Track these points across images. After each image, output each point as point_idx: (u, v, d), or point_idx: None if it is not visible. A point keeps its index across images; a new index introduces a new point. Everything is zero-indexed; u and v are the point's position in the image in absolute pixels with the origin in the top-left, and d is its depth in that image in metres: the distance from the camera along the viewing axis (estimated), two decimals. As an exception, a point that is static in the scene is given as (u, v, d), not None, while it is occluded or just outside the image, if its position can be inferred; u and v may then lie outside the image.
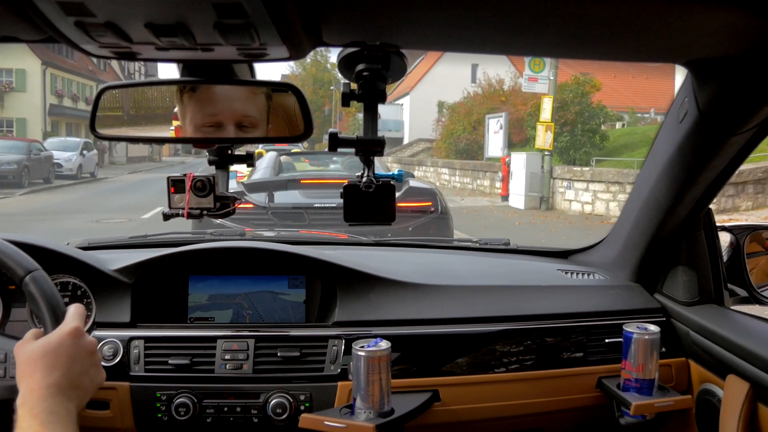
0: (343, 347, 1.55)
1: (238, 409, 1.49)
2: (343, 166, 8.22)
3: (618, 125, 26.48)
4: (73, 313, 1.16)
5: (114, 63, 39.87)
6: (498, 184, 18.52)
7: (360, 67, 1.06)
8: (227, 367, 1.51)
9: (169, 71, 1.16)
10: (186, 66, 1.10)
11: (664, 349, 1.62)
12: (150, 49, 0.91)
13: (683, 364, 1.66)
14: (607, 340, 1.66)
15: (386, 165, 15.26)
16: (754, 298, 1.74)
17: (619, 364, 1.57)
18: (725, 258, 1.74)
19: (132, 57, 0.97)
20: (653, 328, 1.55)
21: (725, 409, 1.43)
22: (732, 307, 1.70)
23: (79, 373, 1.08)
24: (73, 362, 1.07)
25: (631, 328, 1.54)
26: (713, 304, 1.67)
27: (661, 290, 1.78)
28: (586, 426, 1.74)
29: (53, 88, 35.50)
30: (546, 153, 16.18)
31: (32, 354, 1.06)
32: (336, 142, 1.11)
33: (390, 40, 1.01)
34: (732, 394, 1.42)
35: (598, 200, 14.72)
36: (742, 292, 1.75)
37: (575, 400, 1.64)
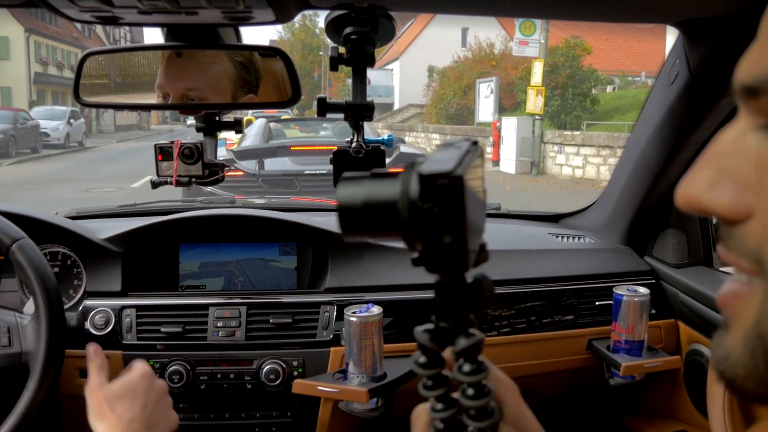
0: (335, 313, 1.55)
1: (232, 376, 1.50)
2: (334, 133, 8.19)
3: (609, 89, 26.39)
4: (141, 362, 1.16)
5: (99, 29, 39.26)
6: (489, 149, 18.49)
7: (348, 30, 1.05)
8: (220, 335, 1.52)
9: (155, 38, 1.15)
10: (170, 31, 1.08)
11: (653, 311, 1.63)
12: (132, 13, 0.89)
13: (672, 325, 1.68)
14: (597, 303, 1.67)
15: (376, 131, 15.19)
16: (742, 260, 1.75)
17: (609, 326, 1.59)
18: (714, 220, 1.75)
19: (114, 21, 0.95)
20: (643, 290, 1.56)
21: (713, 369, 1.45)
22: (721, 269, 1.71)
23: (153, 413, 1.08)
24: (147, 402, 1.08)
25: (621, 290, 1.56)
26: (702, 266, 1.69)
27: (651, 253, 1.79)
28: (577, 387, 1.77)
29: (37, 55, 34.89)
30: (537, 117, 16.12)
31: (111, 394, 1.07)
32: (325, 108, 1.10)
33: (378, 1, 0.99)
34: (720, 353, 1.44)
35: (588, 164, 14.72)
36: (731, 254, 1.76)
37: (566, 362, 1.65)
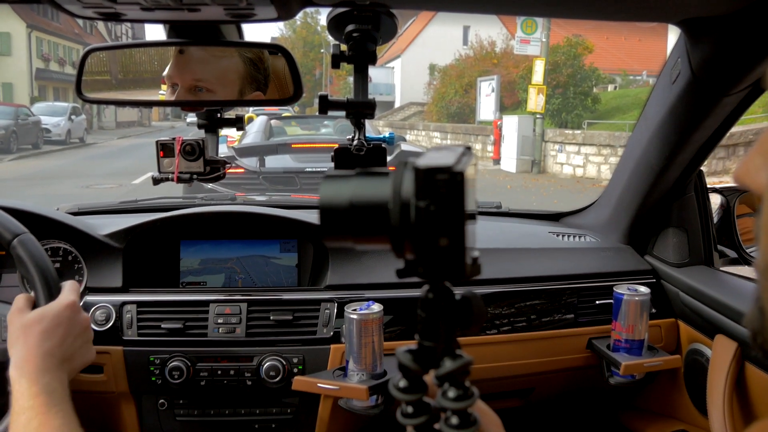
0: (335, 310, 1.55)
1: (232, 373, 1.50)
2: (335, 130, 8.18)
3: (610, 88, 26.40)
4: (70, 288, 1.16)
5: (101, 26, 39.21)
6: (490, 148, 18.48)
7: (350, 27, 1.05)
8: (220, 331, 1.52)
9: (157, 34, 1.15)
10: (173, 27, 1.09)
11: (654, 310, 1.63)
12: (135, 10, 0.89)
13: (672, 325, 1.68)
14: (597, 302, 1.67)
15: (377, 129, 15.18)
16: (743, 259, 1.76)
17: (609, 325, 1.59)
18: (715, 219, 1.75)
19: (117, 18, 0.95)
20: (643, 289, 1.56)
21: (713, 368, 1.45)
22: (721, 268, 1.71)
23: (72, 346, 1.08)
24: (67, 335, 1.07)
25: (621, 289, 1.56)
26: (703, 266, 1.69)
27: (652, 252, 1.79)
28: (577, 386, 1.77)
29: (39, 51, 34.87)
30: (538, 116, 16.12)
31: (27, 321, 1.05)
32: (326, 105, 1.10)
33: (380, -1, 0.99)
34: (720, 353, 1.44)
35: (589, 163, 14.72)
36: (732, 253, 1.76)
37: (566, 360, 1.65)
